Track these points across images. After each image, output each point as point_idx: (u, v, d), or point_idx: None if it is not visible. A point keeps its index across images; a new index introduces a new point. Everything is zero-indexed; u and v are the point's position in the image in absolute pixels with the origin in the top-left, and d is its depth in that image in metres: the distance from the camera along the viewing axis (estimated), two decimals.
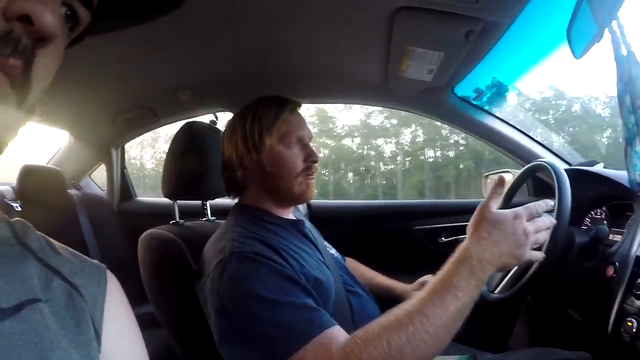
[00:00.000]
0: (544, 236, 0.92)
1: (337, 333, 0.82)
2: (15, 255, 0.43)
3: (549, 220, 0.94)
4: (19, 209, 1.85)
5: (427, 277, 1.34)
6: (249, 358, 0.85)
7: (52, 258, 0.47)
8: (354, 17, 1.12)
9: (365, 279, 1.43)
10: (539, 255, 0.94)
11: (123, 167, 2.34)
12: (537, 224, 0.89)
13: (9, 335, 0.37)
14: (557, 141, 1.78)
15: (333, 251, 1.27)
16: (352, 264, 1.48)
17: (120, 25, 0.54)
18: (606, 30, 0.86)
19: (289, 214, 1.20)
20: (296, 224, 1.16)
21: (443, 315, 0.77)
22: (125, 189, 2.37)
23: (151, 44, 1.28)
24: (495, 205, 0.90)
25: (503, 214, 0.87)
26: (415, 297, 0.81)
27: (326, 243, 1.29)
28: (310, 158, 1.13)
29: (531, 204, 0.90)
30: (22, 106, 0.38)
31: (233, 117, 1.18)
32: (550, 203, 0.92)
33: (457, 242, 1.85)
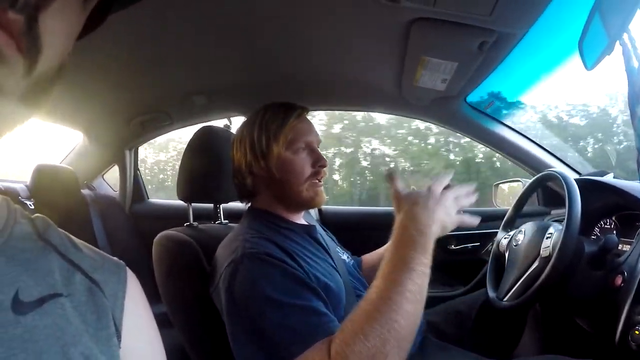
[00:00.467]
0: (468, 201, 1.00)
1: None
2: (37, 250, 0.44)
3: (466, 188, 1.01)
4: (32, 207, 1.88)
5: None
6: (254, 358, 0.85)
7: (73, 253, 0.47)
8: (371, 28, 1.14)
9: (378, 260, 1.44)
10: (471, 219, 0.99)
11: (136, 169, 2.36)
12: (454, 191, 0.97)
13: (31, 329, 0.37)
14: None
15: (345, 257, 1.27)
16: (366, 257, 1.49)
17: None
18: (617, 42, 0.87)
19: (301, 219, 1.21)
20: (308, 229, 1.17)
21: (404, 291, 0.78)
22: (137, 191, 2.38)
23: (168, 49, 1.31)
24: (401, 188, 0.99)
25: (415, 190, 0.98)
26: (373, 285, 0.82)
27: (338, 248, 1.30)
28: (318, 163, 1.13)
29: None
30: (29, 75, 0.35)
31: (241, 125, 1.19)
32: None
33: (467, 250, 1.86)
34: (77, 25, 0.40)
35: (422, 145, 4.05)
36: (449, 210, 0.93)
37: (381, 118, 4.04)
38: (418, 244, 0.84)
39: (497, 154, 1.84)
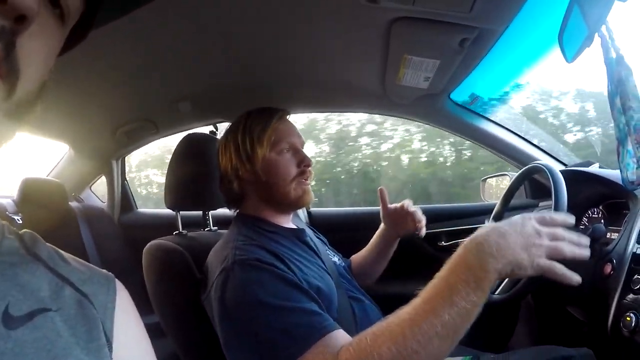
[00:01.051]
0: (570, 250, 0.77)
1: (337, 338, 0.81)
2: (25, 265, 0.44)
3: (578, 239, 0.80)
4: (21, 221, 1.85)
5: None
6: None
7: (62, 267, 0.48)
8: (352, 29, 1.14)
9: (363, 257, 1.48)
10: (572, 276, 0.78)
11: (124, 179, 2.34)
12: (554, 230, 0.77)
13: (21, 343, 0.38)
14: None
15: (336, 259, 1.28)
16: (354, 258, 1.51)
17: (121, 11, 0.49)
18: (596, 34, 0.89)
19: (289, 223, 1.22)
20: (297, 233, 1.18)
21: (438, 324, 0.69)
22: (126, 201, 2.37)
23: (151, 56, 1.30)
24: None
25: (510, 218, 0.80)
26: (410, 303, 0.75)
27: (329, 251, 1.30)
28: (303, 163, 1.15)
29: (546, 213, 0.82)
30: (10, 98, 0.36)
31: (226, 131, 1.21)
32: (571, 221, 0.82)
33: (457, 245, 1.87)
34: (57, 45, 0.41)
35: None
36: (537, 251, 0.74)
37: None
38: (472, 277, 0.71)
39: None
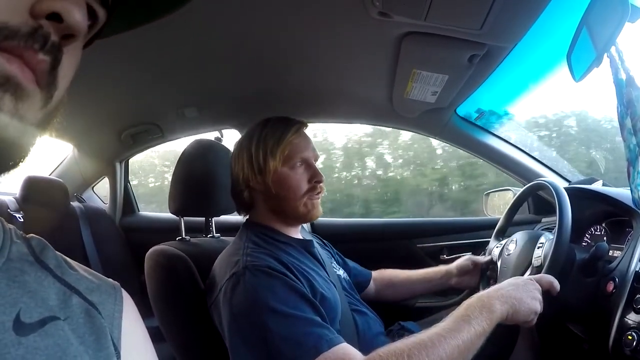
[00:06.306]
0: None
1: (349, 350, 0.83)
2: (34, 272, 0.44)
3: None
4: (22, 219, 1.85)
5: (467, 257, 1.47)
6: None
7: (70, 275, 0.48)
8: (363, 42, 1.15)
9: (401, 280, 1.50)
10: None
11: (126, 181, 2.35)
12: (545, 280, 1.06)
13: (32, 350, 0.37)
14: None
15: (340, 272, 1.28)
16: (382, 273, 1.53)
17: (130, 23, 0.53)
18: (605, 55, 0.89)
19: (297, 233, 1.21)
20: (305, 244, 1.18)
21: (458, 338, 0.83)
22: (128, 203, 2.37)
23: (160, 61, 1.31)
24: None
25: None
26: (436, 325, 0.88)
27: (334, 263, 1.31)
28: (314, 179, 1.14)
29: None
30: (46, 106, 0.37)
31: (241, 138, 1.20)
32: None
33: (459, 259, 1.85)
34: (80, 56, 0.42)
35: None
36: (531, 296, 1.00)
37: None
38: (484, 309, 0.91)
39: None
